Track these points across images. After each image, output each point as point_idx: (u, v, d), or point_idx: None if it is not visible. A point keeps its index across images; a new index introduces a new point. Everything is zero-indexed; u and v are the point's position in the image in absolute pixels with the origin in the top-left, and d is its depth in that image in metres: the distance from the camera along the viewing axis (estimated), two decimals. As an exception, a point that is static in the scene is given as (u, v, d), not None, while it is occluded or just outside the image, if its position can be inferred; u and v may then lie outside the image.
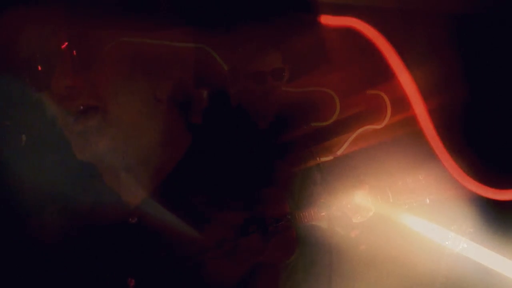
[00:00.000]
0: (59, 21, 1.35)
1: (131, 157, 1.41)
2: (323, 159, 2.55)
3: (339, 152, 2.73)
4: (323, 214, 2.30)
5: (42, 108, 1.41)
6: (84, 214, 1.48)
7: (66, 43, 1.33)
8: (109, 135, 1.35)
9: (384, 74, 2.79)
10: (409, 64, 2.76)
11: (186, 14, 2.05)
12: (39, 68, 1.35)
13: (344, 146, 2.80)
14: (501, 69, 2.82)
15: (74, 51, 1.33)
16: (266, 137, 2.39)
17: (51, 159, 1.56)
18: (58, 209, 1.51)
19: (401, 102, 2.81)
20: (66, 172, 1.48)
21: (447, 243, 2.60)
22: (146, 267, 1.42)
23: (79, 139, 1.35)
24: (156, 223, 1.41)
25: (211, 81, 2.42)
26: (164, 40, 1.49)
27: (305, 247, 2.36)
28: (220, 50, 2.56)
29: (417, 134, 2.77)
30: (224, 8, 2.56)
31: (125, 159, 1.41)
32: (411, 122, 2.79)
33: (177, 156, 1.50)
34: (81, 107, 1.34)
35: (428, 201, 2.20)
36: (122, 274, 1.42)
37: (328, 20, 2.77)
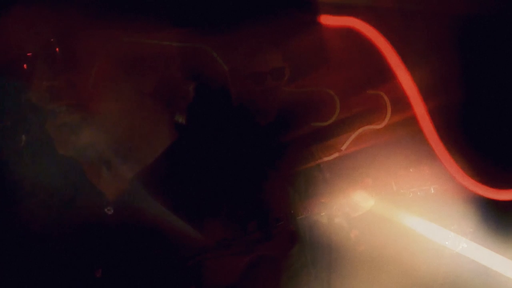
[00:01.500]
0: (44, 21, 1.35)
1: (112, 153, 1.42)
2: (323, 159, 2.55)
3: (339, 152, 2.73)
4: (323, 214, 2.30)
5: (39, 108, 1.42)
6: (64, 205, 1.49)
7: (48, 43, 1.33)
8: (89, 131, 1.36)
9: (384, 74, 2.79)
10: (409, 64, 2.76)
11: (187, 13, 2.06)
12: (25, 67, 1.35)
13: (344, 146, 2.80)
14: (501, 69, 2.82)
15: (57, 49, 1.33)
16: (267, 136, 2.39)
17: (45, 156, 1.57)
18: (39, 200, 1.51)
19: (401, 102, 2.81)
20: (49, 166, 1.49)
21: (447, 243, 2.60)
22: (116, 258, 1.43)
23: (59, 133, 1.36)
24: (133, 216, 1.42)
25: (212, 81, 2.42)
26: (159, 40, 1.49)
27: (305, 247, 2.36)
28: (220, 49, 2.56)
29: (417, 134, 2.77)
30: (225, 7, 2.57)
31: (106, 154, 1.42)
32: (411, 122, 2.79)
33: (158, 150, 1.50)
34: (64, 107, 1.34)
35: (432, 190, 2.19)
36: (91, 263, 1.43)
37: (328, 20, 2.77)
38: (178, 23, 1.70)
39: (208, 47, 2.49)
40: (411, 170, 2.18)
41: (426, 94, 2.77)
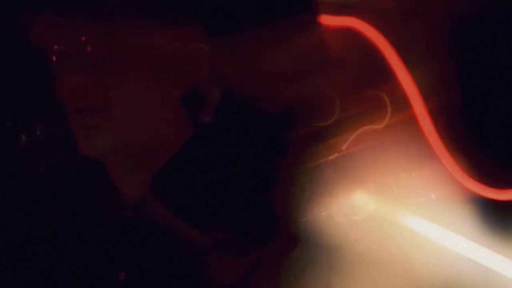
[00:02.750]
0: (76, 17, 1.35)
1: (136, 158, 1.42)
2: (324, 159, 2.55)
3: (339, 152, 2.73)
4: (323, 214, 2.30)
5: (43, 107, 1.42)
6: (83, 208, 1.49)
7: (82, 40, 1.33)
8: (113, 134, 1.36)
9: (384, 74, 2.78)
10: (409, 64, 2.76)
11: (190, 14, 2.06)
12: (54, 59, 1.35)
13: (345, 145, 2.79)
14: (501, 69, 2.82)
15: (89, 49, 1.32)
16: (270, 136, 2.39)
17: (52, 156, 1.57)
18: (58, 203, 1.52)
19: (401, 102, 2.80)
20: (66, 168, 1.49)
21: (447, 243, 2.60)
22: (138, 261, 1.43)
23: (81, 133, 1.36)
24: (152, 218, 1.42)
25: (216, 81, 2.42)
26: (172, 40, 1.49)
27: (305, 247, 2.36)
28: (224, 50, 2.55)
29: (417, 134, 2.77)
30: (227, 8, 2.56)
31: (128, 158, 1.42)
32: (411, 122, 2.78)
33: (173, 150, 1.50)
34: (88, 108, 1.34)
35: (434, 196, 2.18)
36: (114, 267, 1.43)
37: (328, 20, 2.77)
38: (181, 24, 1.70)
39: (209, 48, 2.48)
40: (412, 175, 2.18)
41: (426, 94, 2.77)
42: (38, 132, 1.76)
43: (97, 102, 1.35)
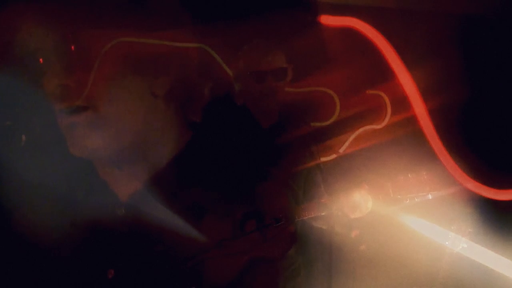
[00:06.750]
0: (57, 18, 1.35)
1: (124, 154, 1.42)
2: (324, 159, 2.55)
3: (339, 152, 2.73)
4: (323, 214, 2.30)
5: (42, 107, 1.42)
6: (75, 206, 1.49)
7: (63, 40, 1.33)
8: (99, 132, 1.36)
9: (384, 74, 2.79)
10: (409, 64, 2.76)
11: (188, 14, 2.06)
12: (41, 60, 1.35)
13: (344, 146, 2.80)
14: (501, 69, 2.82)
15: (72, 47, 1.33)
16: (269, 136, 2.39)
17: (47, 156, 1.57)
18: (50, 202, 1.52)
19: (401, 102, 2.81)
20: (59, 167, 1.49)
21: (447, 243, 2.60)
22: (128, 259, 1.43)
23: (69, 133, 1.36)
24: (144, 216, 1.42)
25: (215, 80, 2.42)
26: (164, 39, 1.49)
27: (305, 247, 2.36)
28: (223, 49, 2.56)
29: (417, 134, 2.77)
30: (226, 7, 2.57)
31: (118, 156, 1.42)
32: (411, 122, 2.79)
33: (172, 152, 1.50)
34: (74, 107, 1.34)
35: (430, 196, 2.17)
36: (103, 264, 1.43)
37: (328, 20, 2.77)
38: (179, 23, 1.70)
39: (207, 47, 2.49)
40: (409, 175, 2.17)
41: (426, 94, 2.77)
42: (38, 132, 1.76)
43: (81, 101, 1.35)
